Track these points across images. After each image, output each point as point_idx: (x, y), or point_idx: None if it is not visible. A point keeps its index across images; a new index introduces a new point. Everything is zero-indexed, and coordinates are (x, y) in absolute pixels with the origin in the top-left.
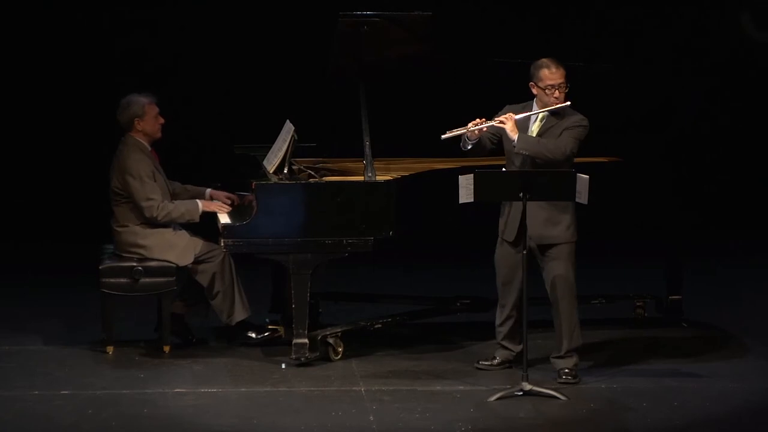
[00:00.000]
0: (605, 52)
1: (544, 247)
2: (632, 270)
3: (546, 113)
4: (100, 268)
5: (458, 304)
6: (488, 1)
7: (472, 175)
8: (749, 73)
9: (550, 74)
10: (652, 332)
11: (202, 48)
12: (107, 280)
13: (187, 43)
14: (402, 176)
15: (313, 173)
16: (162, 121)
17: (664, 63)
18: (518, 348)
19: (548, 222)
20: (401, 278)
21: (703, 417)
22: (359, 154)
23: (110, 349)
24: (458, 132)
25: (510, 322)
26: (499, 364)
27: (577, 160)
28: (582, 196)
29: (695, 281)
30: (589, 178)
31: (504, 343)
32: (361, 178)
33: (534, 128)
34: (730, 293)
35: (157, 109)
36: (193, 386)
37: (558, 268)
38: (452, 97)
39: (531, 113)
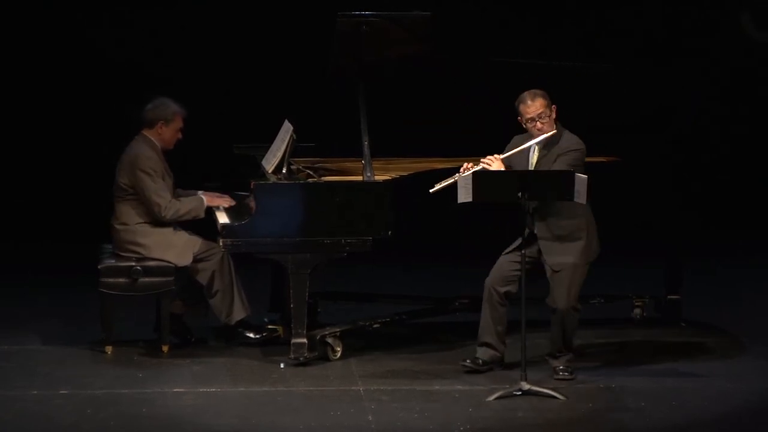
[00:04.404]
0: (605, 52)
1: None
2: (632, 270)
3: (540, 144)
4: (99, 267)
5: (457, 303)
6: (488, 1)
7: (470, 174)
8: (749, 72)
9: (526, 108)
10: (650, 332)
11: (201, 48)
12: (106, 279)
13: (187, 43)
14: (401, 176)
15: (311, 173)
16: (180, 136)
17: (665, 63)
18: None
19: (562, 251)
20: (400, 278)
21: (702, 417)
22: (358, 154)
23: (109, 349)
24: (447, 183)
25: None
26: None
27: None
28: (580, 196)
29: (695, 281)
30: (588, 178)
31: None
32: (359, 178)
33: (533, 159)
34: (730, 293)
35: (182, 123)
36: (192, 386)
37: (566, 281)
38: (452, 97)
39: (518, 149)
